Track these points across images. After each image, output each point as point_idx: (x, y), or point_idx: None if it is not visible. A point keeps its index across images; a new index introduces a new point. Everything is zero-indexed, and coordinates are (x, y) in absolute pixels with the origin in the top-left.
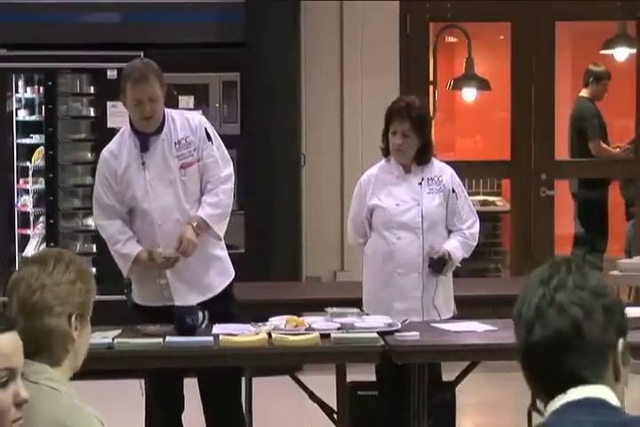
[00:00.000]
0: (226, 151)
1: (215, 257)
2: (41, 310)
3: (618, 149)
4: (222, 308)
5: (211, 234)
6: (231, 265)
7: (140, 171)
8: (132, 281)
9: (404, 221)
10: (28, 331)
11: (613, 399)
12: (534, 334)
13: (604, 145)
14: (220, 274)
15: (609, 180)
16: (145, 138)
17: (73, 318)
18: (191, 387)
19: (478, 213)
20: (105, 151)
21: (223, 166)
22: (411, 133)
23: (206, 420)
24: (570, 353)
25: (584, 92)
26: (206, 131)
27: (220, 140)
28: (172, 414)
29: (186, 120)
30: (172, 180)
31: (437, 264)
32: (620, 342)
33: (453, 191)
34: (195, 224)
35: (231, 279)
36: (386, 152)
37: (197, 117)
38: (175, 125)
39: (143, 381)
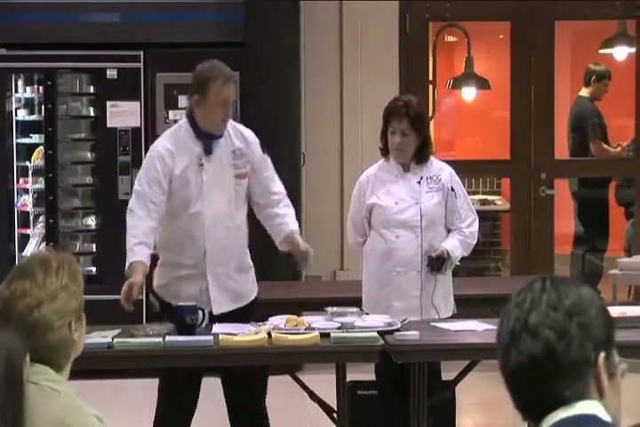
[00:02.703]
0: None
1: (250, 267)
2: (41, 327)
3: (619, 148)
4: (248, 317)
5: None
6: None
7: (198, 173)
8: (168, 281)
9: (402, 219)
10: (31, 349)
11: (604, 414)
12: (510, 361)
13: (605, 146)
14: (252, 282)
15: (610, 179)
16: (209, 141)
17: (72, 324)
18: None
19: (478, 212)
20: (160, 146)
21: (276, 180)
22: (410, 132)
23: (231, 422)
24: (546, 378)
25: (584, 92)
26: (260, 145)
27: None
28: (184, 415)
29: (239, 132)
30: (226, 187)
31: (436, 263)
32: (601, 356)
33: (452, 190)
34: (295, 234)
35: (257, 290)
36: (384, 151)
37: (250, 132)
38: (230, 134)
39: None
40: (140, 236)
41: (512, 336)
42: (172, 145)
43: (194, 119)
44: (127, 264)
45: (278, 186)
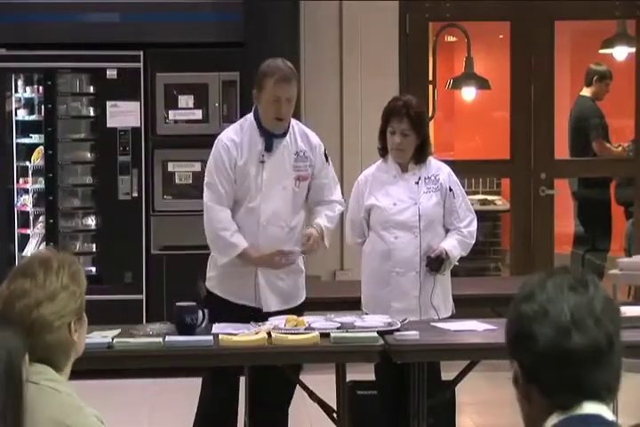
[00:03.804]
0: (334, 173)
1: (302, 271)
2: (40, 327)
3: (620, 148)
4: None
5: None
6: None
7: (258, 169)
8: (220, 274)
9: (401, 220)
10: (30, 348)
11: (609, 415)
12: (572, 341)
13: (608, 145)
14: (302, 287)
15: (610, 178)
16: (270, 137)
17: (72, 325)
18: None
19: (478, 212)
20: (225, 138)
21: (334, 188)
22: (410, 132)
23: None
24: (603, 367)
25: (585, 92)
26: (324, 152)
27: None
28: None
29: (305, 135)
30: (285, 186)
31: (435, 263)
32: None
33: (450, 190)
34: (318, 229)
35: (305, 294)
36: (383, 152)
37: (316, 137)
38: (296, 136)
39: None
40: (229, 227)
41: (575, 318)
42: (236, 136)
43: (258, 115)
44: (228, 258)
45: (336, 195)
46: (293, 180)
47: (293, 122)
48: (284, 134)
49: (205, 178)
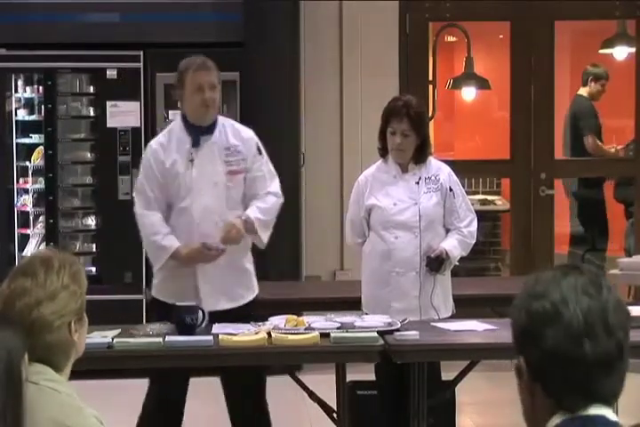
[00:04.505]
0: (272, 167)
1: (247, 270)
2: (40, 327)
3: (613, 150)
4: (244, 319)
5: (255, 240)
6: (255, 281)
7: (187, 167)
8: (160, 278)
9: (401, 220)
10: (30, 348)
11: (612, 415)
12: (583, 350)
13: (599, 143)
14: (246, 287)
15: (604, 178)
16: (197, 134)
17: (72, 325)
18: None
19: (478, 212)
20: (154, 142)
21: (270, 181)
22: (410, 133)
23: (231, 419)
24: (612, 374)
25: (582, 91)
26: (257, 145)
27: (267, 157)
28: (171, 417)
29: (237, 130)
30: (217, 182)
31: (435, 263)
32: None
33: (451, 190)
34: (244, 218)
35: (255, 295)
36: (383, 152)
37: (248, 130)
38: (226, 131)
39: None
40: (160, 230)
41: (588, 324)
42: (165, 139)
43: (184, 115)
44: (162, 262)
45: (272, 188)
46: (225, 175)
47: (223, 119)
48: (212, 130)
49: (136, 184)
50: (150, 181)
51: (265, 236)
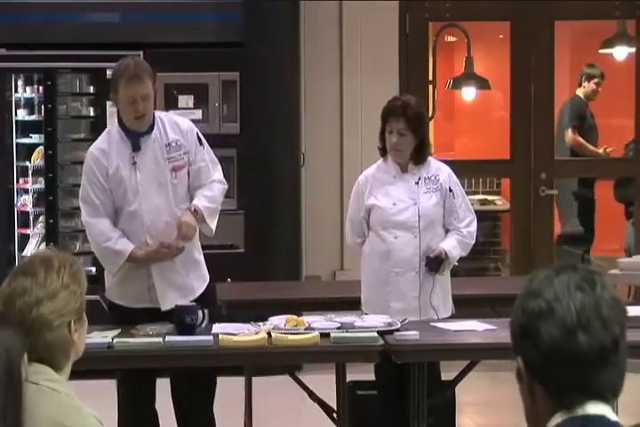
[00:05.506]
0: (213, 155)
1: (196, 261)
2: (40, 326)
3: (601, 150)
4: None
5: (203, 229)
6: (206, 269)
7: (131, 171)
8: (114, 282)
9: (401, 220)
10: (29, 347)
11: (612, 415)
12: (577, 342)
13: (581, 140)
14: (198, 278)
15: (594, 178)
16: (136, 137)
17: (72, 324)
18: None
19: (478, 212)
20: (94, 149)
21: (213, 169)
22: (407, 132)
23: (178, 423)
24: (608, 368)
25: (578, 92)
26: (197, 135)
27: (208, 145)
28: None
29: (175, 123)
30: (162, 182)
31: (434, 263)
32: None
33: (450, 190)
34: (193, 210)
35: (206, 284)
36: (383, 151)
37: (186, 122)
38: (165, 127)
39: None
40: (111, 236)
41: (581, 318)
42: (105, 145)
43: (121, 119)
44: (117, 266)
45: (215, 176)
46: (169, 172)
47: (162, 114)
48: (150, 130)
49: (80, 193)
50: (94, 188)
51: (213, 224)
